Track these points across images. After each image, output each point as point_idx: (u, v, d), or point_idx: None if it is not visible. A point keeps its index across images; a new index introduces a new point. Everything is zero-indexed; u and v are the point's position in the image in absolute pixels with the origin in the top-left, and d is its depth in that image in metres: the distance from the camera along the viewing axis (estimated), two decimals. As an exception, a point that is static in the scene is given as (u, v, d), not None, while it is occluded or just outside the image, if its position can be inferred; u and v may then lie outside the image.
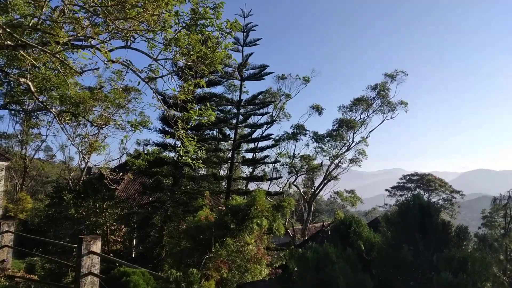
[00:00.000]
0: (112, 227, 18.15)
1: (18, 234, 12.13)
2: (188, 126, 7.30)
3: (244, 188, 27.54)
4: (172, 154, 20.25)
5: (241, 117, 24.00)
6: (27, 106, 25.32)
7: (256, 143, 28.48)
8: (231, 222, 12.41)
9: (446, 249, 5.77)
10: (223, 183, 25.11)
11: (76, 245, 8.17)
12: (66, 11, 5.87)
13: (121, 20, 5.81)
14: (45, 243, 15.81)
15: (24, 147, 39.52)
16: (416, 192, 35.65)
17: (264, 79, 24.20)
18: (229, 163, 24.26)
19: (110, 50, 6.11)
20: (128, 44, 6.31)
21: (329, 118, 33.83)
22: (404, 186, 49.64)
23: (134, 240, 21.10)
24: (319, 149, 32.84)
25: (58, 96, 8.92)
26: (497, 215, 23.47)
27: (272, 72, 25.26)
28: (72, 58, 7.12)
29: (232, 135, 24.74)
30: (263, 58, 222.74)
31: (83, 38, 6.07)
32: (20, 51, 6.33)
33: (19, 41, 5.75)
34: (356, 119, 33.56)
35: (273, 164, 33.02)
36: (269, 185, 33.50)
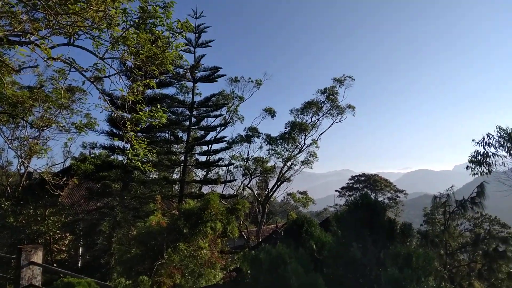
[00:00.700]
0: (56, 236, 17.41)
1: None
2: (138, 128, 7.03)
3: (197, 192, 27.12)
4: (121, 158, 19.52)
5: (194, 119, 23.67)
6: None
7: (209, 146, 28.21)
8: (184, 226, 12.21)
9: (392, 246, 6.08)
10: (176, 187, 24.59)
11: (14, 256, 7.71)
12: (1, 4, 5.43)
13: (64, 16, 5.47)
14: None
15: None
16: (364, 192, 37.25)
17: (217, 81, 24.08)
18: (182, 166, 23.79)
19: (51, 47, 5.71)
20: (72, 41, 5.95)
21: (281, 121, 34.39)
22: (353, 187, 51.73)
23: (80, 248, 20.16)
24: (273, 152, 33.21)
25: (-7, 96, 8.26)
26: (437, 212, 25.26)
27: (225, 75, 25.25)
28: (9, 54, 6.63)
29: (185, 138, 24.34)
30: (218, 62, 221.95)
31: (20, 33, 5.65)
32: None
33: None
34: (307, 122, 34.34)
35: (227, 167, 32.90)
36: (223, 188, 33.32)
